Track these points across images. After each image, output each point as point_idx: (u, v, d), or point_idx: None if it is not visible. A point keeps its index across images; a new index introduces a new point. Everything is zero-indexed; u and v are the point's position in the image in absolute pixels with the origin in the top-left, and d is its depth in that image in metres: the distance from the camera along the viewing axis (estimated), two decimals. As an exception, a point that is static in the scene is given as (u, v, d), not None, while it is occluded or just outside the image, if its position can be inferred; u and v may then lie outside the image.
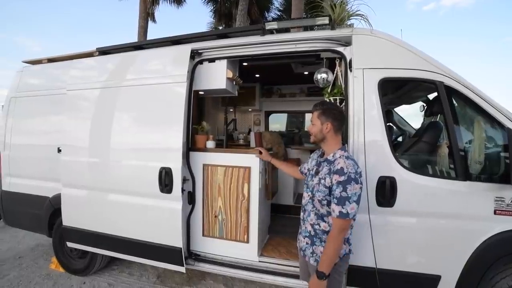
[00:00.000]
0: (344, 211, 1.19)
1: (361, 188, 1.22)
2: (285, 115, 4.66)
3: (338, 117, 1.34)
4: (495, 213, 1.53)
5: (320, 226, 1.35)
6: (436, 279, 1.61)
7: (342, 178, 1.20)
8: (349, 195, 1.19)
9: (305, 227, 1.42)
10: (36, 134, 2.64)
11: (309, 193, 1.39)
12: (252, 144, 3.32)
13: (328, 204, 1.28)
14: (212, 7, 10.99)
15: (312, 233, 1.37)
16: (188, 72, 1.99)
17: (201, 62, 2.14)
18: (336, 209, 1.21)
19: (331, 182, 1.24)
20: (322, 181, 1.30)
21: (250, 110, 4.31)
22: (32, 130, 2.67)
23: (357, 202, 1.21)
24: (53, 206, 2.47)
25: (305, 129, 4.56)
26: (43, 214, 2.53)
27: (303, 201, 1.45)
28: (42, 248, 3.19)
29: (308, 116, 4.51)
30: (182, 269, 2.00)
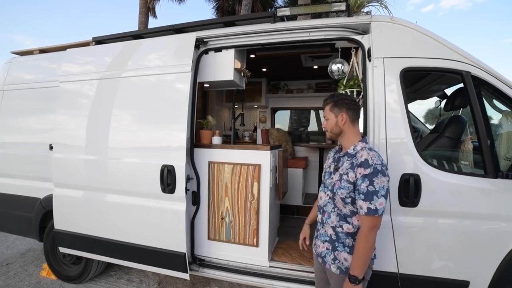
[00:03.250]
0: (372, 207, 1.09)
1: (388, 181, 1.12)
2: (290, 113, 4.52)
3: (352, 106, 1.26)
4: (529, 213, 1.41)
5: (343, 229, 1.21)
6: (464, 285, 1.49)
7: (367, 171, 1.10)
8: (377, 189, 1.09)
9: (325, 231, 1.27)
10: (26, 130, 2.46)
11: (328, 192, 1.26)
12: (259, 141, 3.18)
13: (353, 202, 1.17)
14: (215, 4, 10.89)
15: (334, 237, 1.24)
16: (192, 62, 1.85)
17: (206, 52, 2.00)
18: (363, 205, 1.11)
19: (355, 177, 1.14)
20: (345, 176, 1.18)
21: (255, 106, 4.17)
22: (22, 125, 2.49)
23: (385, 196, 1.11)
24: (45, 208, 2.29)
25: (310, 127, 4.44)
26: (34, 216, 2.35)
27: (321, 202, 1.32)
28: (33, 253, 2.99)
29: (313, 114, 4.39)
30: (186, 276, 1.85)
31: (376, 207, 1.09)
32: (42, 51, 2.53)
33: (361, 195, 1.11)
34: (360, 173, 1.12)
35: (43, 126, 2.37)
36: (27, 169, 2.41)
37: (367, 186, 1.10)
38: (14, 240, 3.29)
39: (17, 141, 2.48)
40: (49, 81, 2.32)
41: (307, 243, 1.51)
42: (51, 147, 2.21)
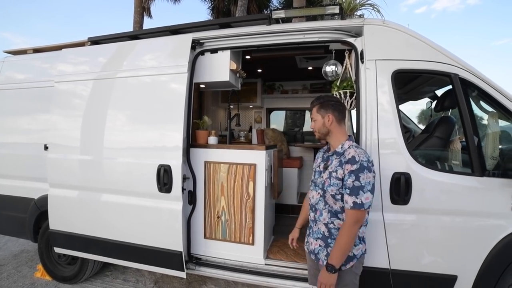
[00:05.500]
0: (358, 201, 1.13)
1: (374, 177, 1.17)
2: (285, 113, 4.56)
3: (338, 107, 1.32)
4: (513, 209, 1.47)
5: (335, 225, 1.26)
6: (452, 279, 1.55)
7: (354, 167, 1.16)
8: (363, 184, 1.14)
9: (318, 228, 1.31)
10: (20, 130, 2.44)
11: (319, 191, 1.31)
12: (254, 141, 3.22)
13: (342, 198, 1.22)
14: (210, 4, 10.90)
15: (326, 233, 1.28)
16: (188, 63, 1.87)
17: (202, 53, 2.02)
18: (349, 200, 1.15)
19: (343, 173, 1.19)
20: (334, 174, 1.23)
21: (251, 107, 4.20)
22: (15, 125, 2.46)
23: (372, 191, 1.15)
24: (39, 209, 2.28)
25: (304, 127, 4.48)
26: (28, 217, 2.33)
27: (313, 201, 1.36)
28: (26, 254, 2.96)
29: (308, 114, 4.44)
30: (182, 274, 1.87)
31: (362, 201, 1.13)
32: (36, 50, 2.50)
33: (347, 189, 1.16)
34: (347, 169, 1.17)
35: (37, 126, 2.35)
36: (21, 169, 2.38)
37: (353, 181, 1.14)
38: (6, 242, 3.24)
39: (11, 141, 2.46)
40: (43, 81, 2.31)
41: (294, 243, 1.58)
42: (46, 147, 2.20)
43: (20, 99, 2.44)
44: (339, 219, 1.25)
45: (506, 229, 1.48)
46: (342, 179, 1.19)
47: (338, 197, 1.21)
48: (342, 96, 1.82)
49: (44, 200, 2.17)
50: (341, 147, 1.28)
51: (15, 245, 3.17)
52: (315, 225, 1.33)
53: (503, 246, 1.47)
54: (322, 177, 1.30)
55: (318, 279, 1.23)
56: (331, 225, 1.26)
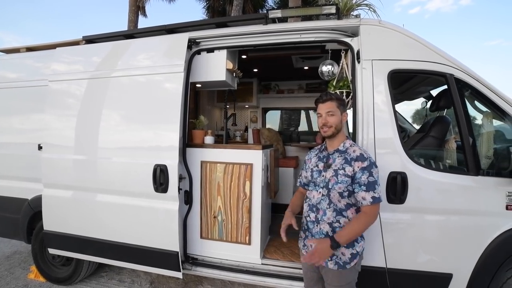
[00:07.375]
0: (376, 195, 1.19)
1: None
2: (281, 113, 4.54)
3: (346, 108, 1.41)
4: (507, 208, 1.49)
5: (340, 223, 1.26)
6: (447, 277, 1.56)
7: (365, 164, 1.21)
8: (376, 179, 1.21)
9: (320, 229, 1.30)
10: (13, 130, 2.40)
11: (321, 190, 1.30)
12: (250, 141, 3.21)
13: (350, 195, 1.24)
14: (205, 3, 10.89)
15: (330, 233, 1.27)
16: (185, 62, 1.85)
17: (198, 52, 2.01)
18: (367, 196, 1.19)
19: (353, 170, 1.22)
20: (341, 171, 1.25)
21: (246, 106, 4.19)
22: (8, 125, 2.42)
23: (380, 185, 1.24)
24: (33, 209, 2.24)
25: (300, 127, 4.47)
26: (21, 218, 2.29)
27: (313, 201, 1.34)
28: (19, 256, 2.92)
29: (303, 114, 4.43)
30: (178, 274, 1.85)
31: (379, 195, 1.20)
32: (30, 49, 2.47)
33: (362, 186, 1.19)
34: (358, 167, 1.21)
35: (31, 126, 2.32)
36: (15, 169, 2.35)
37: (367, 178, 1.19)
38: (-1, 243, 3.20)
39: (4, 141, 2.42)
40: (36, 80, 2.28)
41: (294, 225, 1.35)
42: (40, 147, 2.17)
43: (13, 98, 2.40)
44: (344, 216, 1.26)
45: (500, 228, 1.50)
46: (352, 176, 1.22)
47: (345, 194, 1.23)
48: (339, 95, 1.82)
49: (38, 200, 2.14)
50: (343, 145, 1.31)
51: (8, 247, 3.12)
52: (317, 225, 1.31)
53: (497, 244, 1.49)
54: (323, 176, 1.30)
55: (314, 248, 1.19)
56: (336, 224, 1.26)
